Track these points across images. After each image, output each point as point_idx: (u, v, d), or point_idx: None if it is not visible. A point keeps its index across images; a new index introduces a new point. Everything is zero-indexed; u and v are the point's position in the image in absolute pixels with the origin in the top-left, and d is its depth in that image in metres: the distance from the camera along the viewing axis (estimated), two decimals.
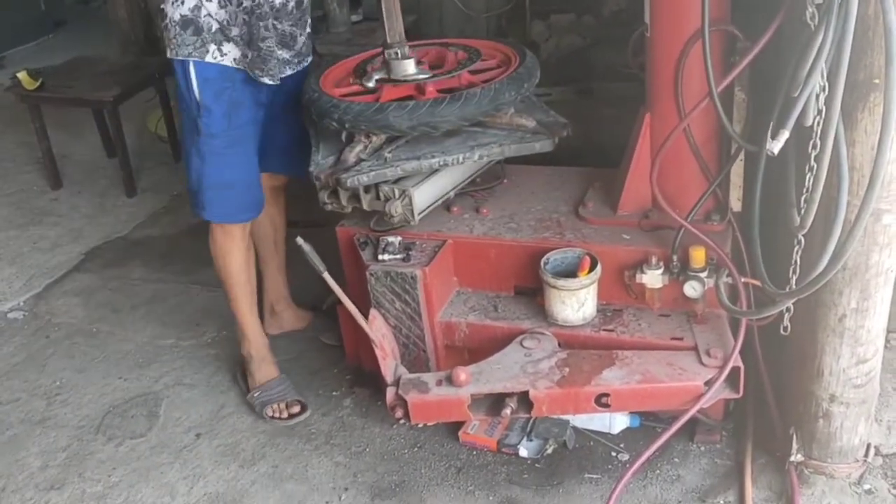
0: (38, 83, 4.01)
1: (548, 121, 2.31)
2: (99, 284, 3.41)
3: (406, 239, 2.30)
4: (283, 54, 2.35)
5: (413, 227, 2.30)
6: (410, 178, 2.26)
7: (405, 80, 2.26)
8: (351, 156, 2.22)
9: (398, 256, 2.25)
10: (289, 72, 2.40)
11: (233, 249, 2.54)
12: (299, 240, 1.97)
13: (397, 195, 2.23)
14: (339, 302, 2.13)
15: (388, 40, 2.24)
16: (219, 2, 2.24)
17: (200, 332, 3.03)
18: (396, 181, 2.24)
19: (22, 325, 3.20)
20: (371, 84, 2.28)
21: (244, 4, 2.23)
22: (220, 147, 2.36)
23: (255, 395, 2.61)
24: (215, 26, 2.25)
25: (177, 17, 2.24)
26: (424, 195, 2.29)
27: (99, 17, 6.61)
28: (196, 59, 2.26)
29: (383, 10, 2.21)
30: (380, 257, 2.25)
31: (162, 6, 2.28)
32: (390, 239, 2.28)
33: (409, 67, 2.25)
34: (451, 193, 2.41)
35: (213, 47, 2.26)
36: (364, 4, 4.43)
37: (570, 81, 3.31)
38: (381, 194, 2.25)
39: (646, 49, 2.13)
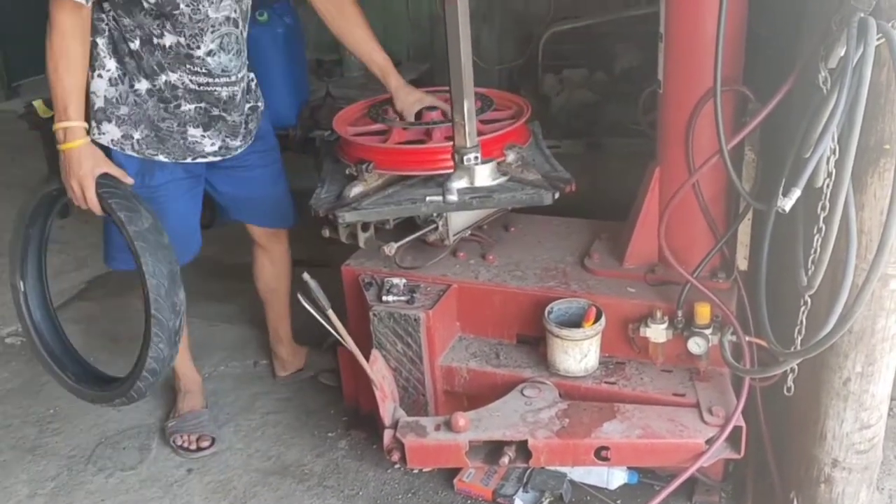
0: (52, 112, 4.04)
1: (552, 175, 2.32)
2: (100, 313, 3.40)
3: (411, 281, 2.30)
4: (197, 134, 2.29)
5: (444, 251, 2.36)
6: None
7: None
8: (352, 193, 2.24)
9: (402, 298, 2.25)
10: (209, 149, 2.33)
11: None
12: (305, 276, 1.97)
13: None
14: (340, 342, 2.12)
15: (468, 144, 2.16)
16: (109, 79, 2.19)
17: (197, 366, 3.00)
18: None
19: (19, 350, 3.18)
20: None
21: (136, 87, 2.19)
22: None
23: (170, 424, 2.67)
24: (98, 104, 2.21)
25: None
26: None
27: None
28: None
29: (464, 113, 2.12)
30: (384, 298, 2.25)
31: None
32: (395, 280, 2.28)
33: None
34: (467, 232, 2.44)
35: (92, 124, 2.23)
36: None
37: (580, 135, 3.34)
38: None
39: (658, 105, 2.15)
